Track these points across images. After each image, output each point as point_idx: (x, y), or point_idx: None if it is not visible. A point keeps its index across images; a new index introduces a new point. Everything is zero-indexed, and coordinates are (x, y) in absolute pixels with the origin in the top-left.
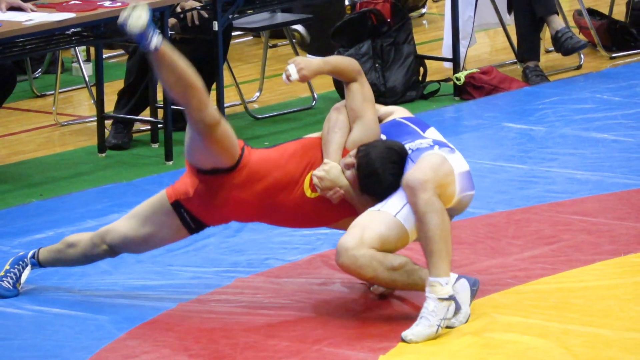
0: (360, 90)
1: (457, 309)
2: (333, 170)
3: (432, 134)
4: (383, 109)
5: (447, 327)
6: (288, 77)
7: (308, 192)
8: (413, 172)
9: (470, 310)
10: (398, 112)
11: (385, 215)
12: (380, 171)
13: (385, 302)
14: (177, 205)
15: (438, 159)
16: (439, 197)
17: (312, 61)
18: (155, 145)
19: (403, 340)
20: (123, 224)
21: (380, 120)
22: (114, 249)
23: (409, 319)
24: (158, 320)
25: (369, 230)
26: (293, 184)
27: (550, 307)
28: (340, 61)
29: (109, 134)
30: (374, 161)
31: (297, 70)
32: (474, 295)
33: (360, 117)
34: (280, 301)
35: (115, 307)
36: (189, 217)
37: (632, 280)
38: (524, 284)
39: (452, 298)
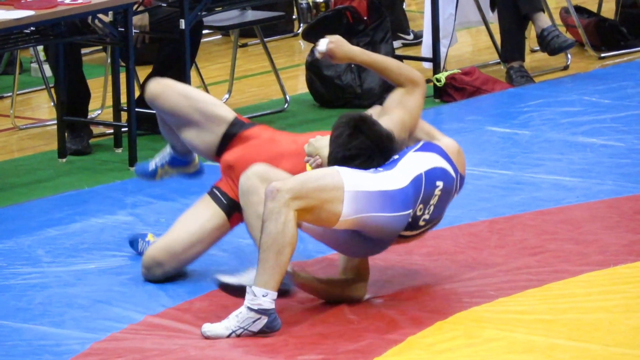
0: (401, 95)
1: (272, 326)
2: (320, 140)
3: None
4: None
5: None
6: (315, 47)
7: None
8: (272, 182)
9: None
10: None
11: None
12: (345, 134)
13: (361, 315)
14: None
15: (319, 172)
16: (315, 211)
17: (348, 44)
18: (119, 150)
19: (203, 334)
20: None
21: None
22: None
23: (384, 328)
24: (122, 334)
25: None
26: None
27: (536, 321)
28: (386, 60)
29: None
30: (345, 123)
31: (327, 43)
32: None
33: (385, 114)
34: None
35: (78, 321)
36: (220, 193)
37: (622, 292)
38: (507, 296)
39: (263, 312)
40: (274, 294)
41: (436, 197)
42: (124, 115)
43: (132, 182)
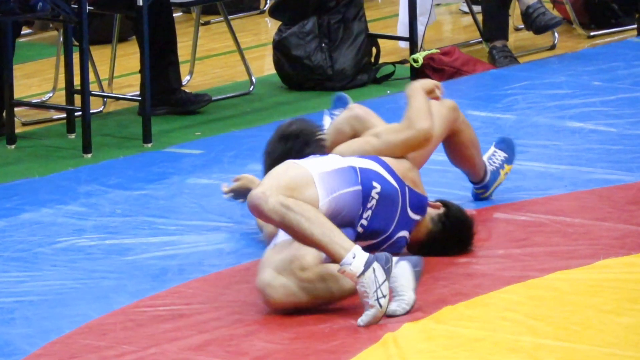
0: (392, 128)
1: (388, 258)
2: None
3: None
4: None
5: (389, 315)
6: None
7: None
8: (251, 192)
9: (415, 296)
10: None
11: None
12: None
13: (335, 314)
14: None
15: (281, 167)
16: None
17: None
18: (72, 136)
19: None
20: None
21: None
22: None
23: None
24: (76, 333)
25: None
26: None
27: (521, 320)
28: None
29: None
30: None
31: None
32: (418, 277)
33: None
34: (218, 313)
35: (28, 320)
36: None
37: (613, 288)
38: (490, 292)
39: (368, 265)
40: (354, 247)
41: (374, 201)
42: (77, 99)
43: (86, 170)
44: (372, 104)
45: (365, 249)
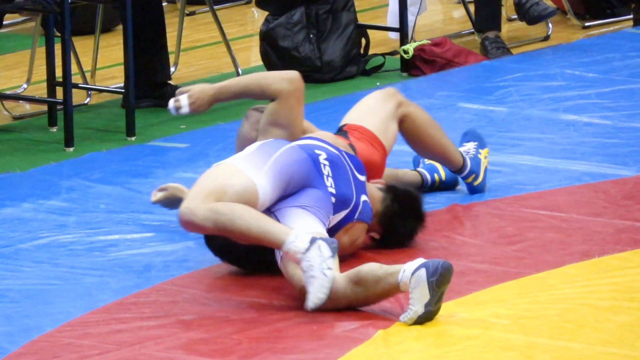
0: (274, 110)
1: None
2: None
3: None
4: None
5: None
6: (177, 108)
7: None
8: (179, 208)
9: (425, 309)
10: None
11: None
12: None
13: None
14: None
15: (204, 174)
16: (229, 194)
17: (208, 92)
18: (54, 129)
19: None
20: None
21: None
22: None
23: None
24: (58, 332)
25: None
26: None
27: (514, 318)
28: (246, 80)
29: None
30: None
31: (190, 103)
32: (435, 286)
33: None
34: (203, 311)
35: (9, 318)
36: None
37: (609, 286)
38: (482, 290)
39: (313, 241)
40: (294, 230)
41: (327, 167)
42: (59, 91)
43: (68, 165)
44: (361, 97)
45: (339, 225)
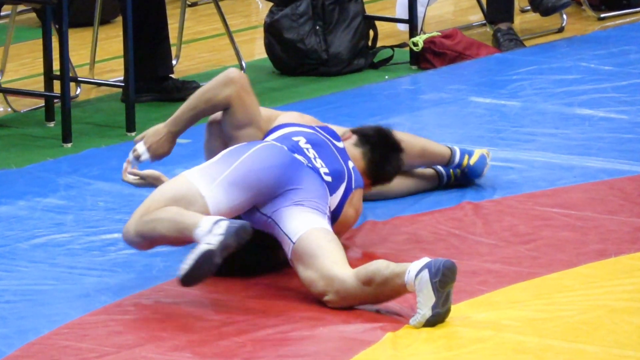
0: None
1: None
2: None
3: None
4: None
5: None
6: (137, 157)
7: None
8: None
9: (432, 312)
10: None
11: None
12: None
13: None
14: None
15: (158, 187)
16: (178, 198)
17: (162, 131)
18: (51, 124)
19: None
20: None
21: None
22: None
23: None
24: (56, 334)
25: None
26: None
27: (527, 319)
28: (192, 102)
29: None
30: None
31: (147, 148)
32: (439, 287)
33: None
34: (205, 312)
35: (5, 320)
36: None
37: (625, 286)
38: (494, 291)
39: (218, 220)
40: (205, 217)
41: (311, 150)
42: (57, 84)
43: (66, 161)
44: (369, 90)
45: (343, 200)
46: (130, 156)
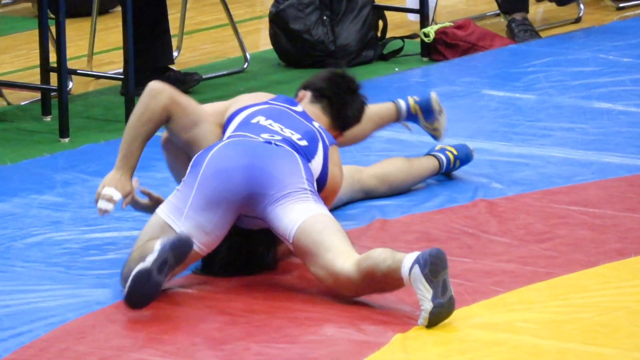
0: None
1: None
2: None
3: None
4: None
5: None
6: (105, 211)
7: None
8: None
9: (433, 303)
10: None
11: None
12: None
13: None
14: None
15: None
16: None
17: (117, 175)
18: (48, 118)
19: None
20: None
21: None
22: None
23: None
24: (52, 337)
25: None
26: None
27: (544, 321)
28: (135, 127)
29: None
30: None
31: (114, 193)
32: (432, 277)
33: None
34: (208, 314)
35: None
36: None
37: None
38: (509, 292)
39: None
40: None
41: (274, 123)
42: (53, 77)
43: (63, 156)
44: (378, 83)
45: (324, 161)
46: (102, 204)
